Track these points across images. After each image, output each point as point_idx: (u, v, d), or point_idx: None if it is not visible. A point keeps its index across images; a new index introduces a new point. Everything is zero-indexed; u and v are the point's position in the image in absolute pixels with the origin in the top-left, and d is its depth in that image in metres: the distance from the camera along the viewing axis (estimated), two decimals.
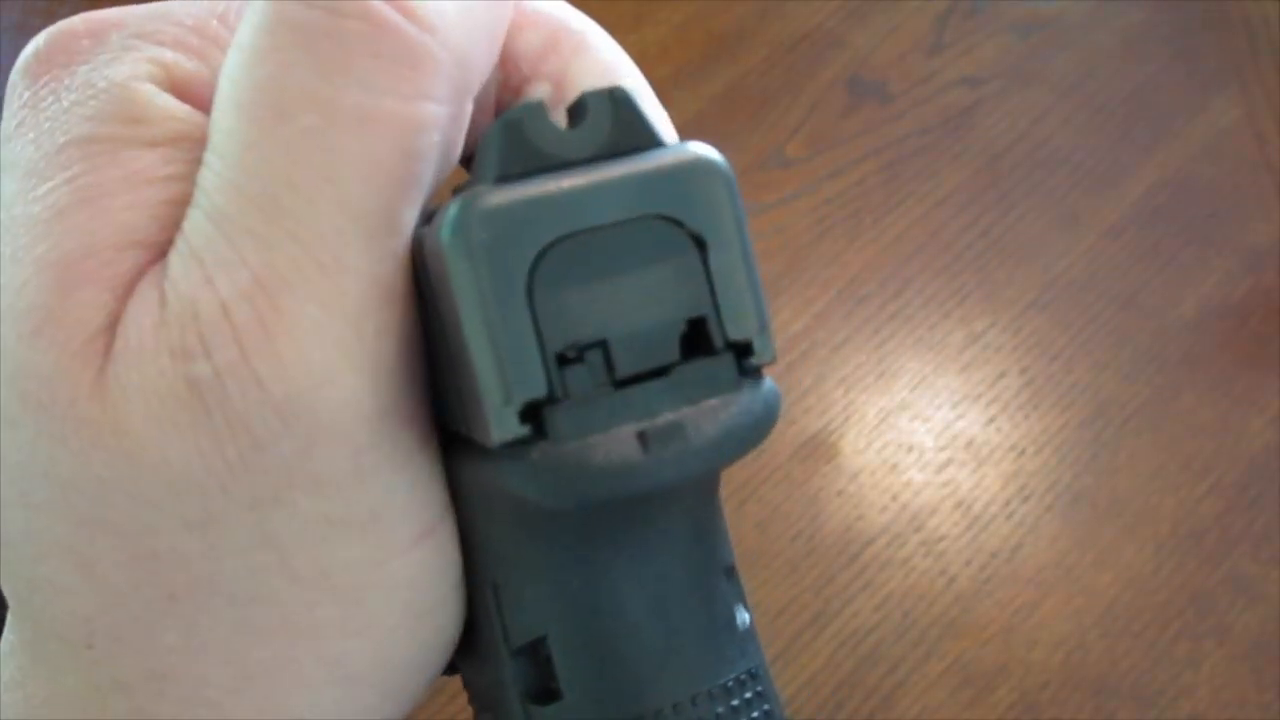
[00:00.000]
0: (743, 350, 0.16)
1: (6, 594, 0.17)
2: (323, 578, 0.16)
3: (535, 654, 0.18)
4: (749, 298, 0.16)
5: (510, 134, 0.16)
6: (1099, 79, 0.72)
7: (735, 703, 0.18)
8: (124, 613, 0.16)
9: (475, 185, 0.16)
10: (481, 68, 0.17)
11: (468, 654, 0.19)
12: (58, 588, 0.16)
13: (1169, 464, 0.60)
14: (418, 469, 0.17)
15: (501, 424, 0.15)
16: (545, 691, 0.18)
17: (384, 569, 0.17)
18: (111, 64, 0.17)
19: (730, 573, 0.19)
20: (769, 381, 0.17)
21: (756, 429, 0.16)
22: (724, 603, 0.18)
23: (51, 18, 0.18)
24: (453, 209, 0.15)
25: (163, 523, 0.16)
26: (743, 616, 0.19)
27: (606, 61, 0.19)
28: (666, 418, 0.16)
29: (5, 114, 0.18)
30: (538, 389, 0.15)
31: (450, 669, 0.19)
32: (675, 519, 0.18)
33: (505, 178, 0.16)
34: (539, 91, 0.18)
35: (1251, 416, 0.60)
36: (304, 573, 0.16)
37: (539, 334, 0.15)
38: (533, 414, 0.15)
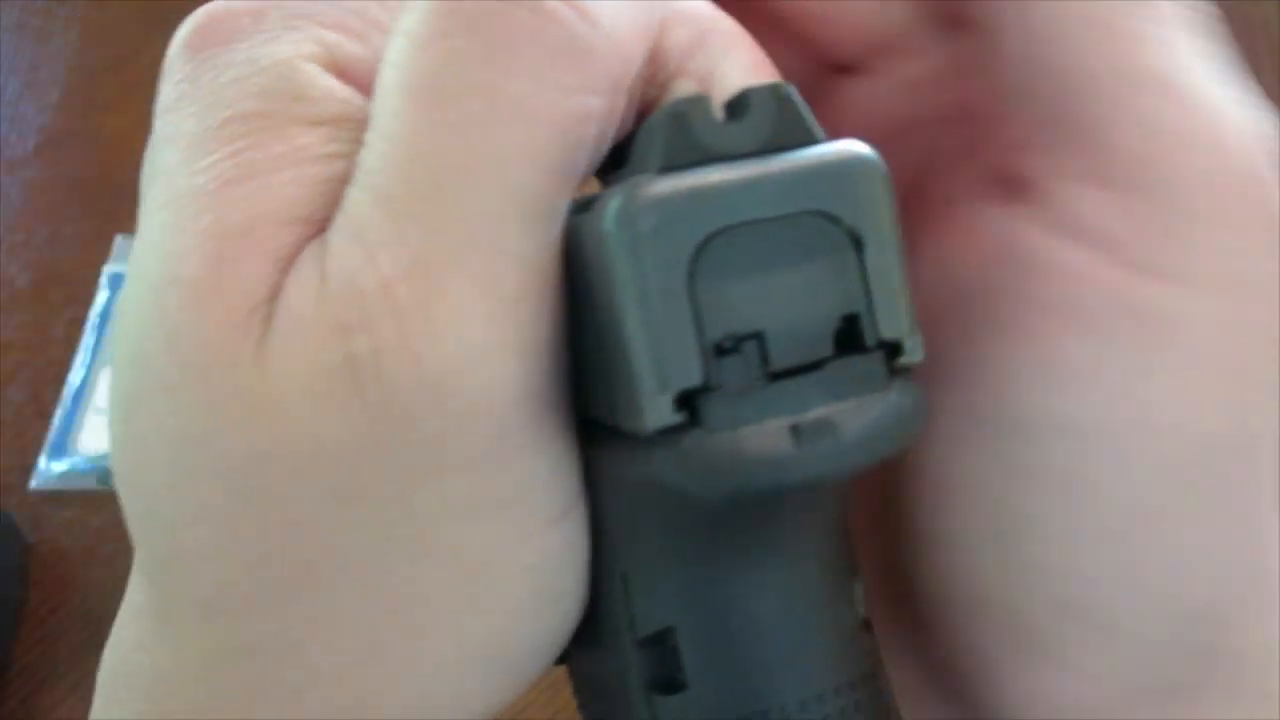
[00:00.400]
0: (893, 349, 0.16)
1: (141, 558, 0.18)
2: (457, 556, 0.17)
3: (662, 644, 0.18)
4: (901, 298, 0.16)
5: (675, 125, 0.16)
6: None
7: (856, 698, 0.18)
8: (262, 579, 0.17)
9: (635, 175, 0.16)
10: (637, 61, 0.17)
11: (584, 643, 0.19)
12: (201, 554, 0.17)
13: None
14: (558, 453, 0.17)
15: (656, 410, 0.15)
16: (670, 682, 0.18)
17: (517, 551, 0.17)
18: (273, 42, 0.17)
19: (854, 572, 0.19)
20: (917, 384, 0.17)
21: (905, 428, 0.16)
22: (849, 602, 0.18)
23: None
24: (617, 198, 0.15)
25: (310, 493, 0.16)
26: (860, 615, 0.19)
27: (752, 63, 0.19)
28: (818, 412, 0.16)
29: (164, 87, 0.18)
30: (694, 377, 0.15)
31: (560, 659, 0.20)
32: (812, 517, 0.18)
33: (669, 168, 0.16)
34: (685, 88, 0.18)
35: None
36: (439, 549, 0.17)
37: (698, 323, 0.15)
38: (686, 402, 0.15)
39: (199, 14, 0.18)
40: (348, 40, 0.18)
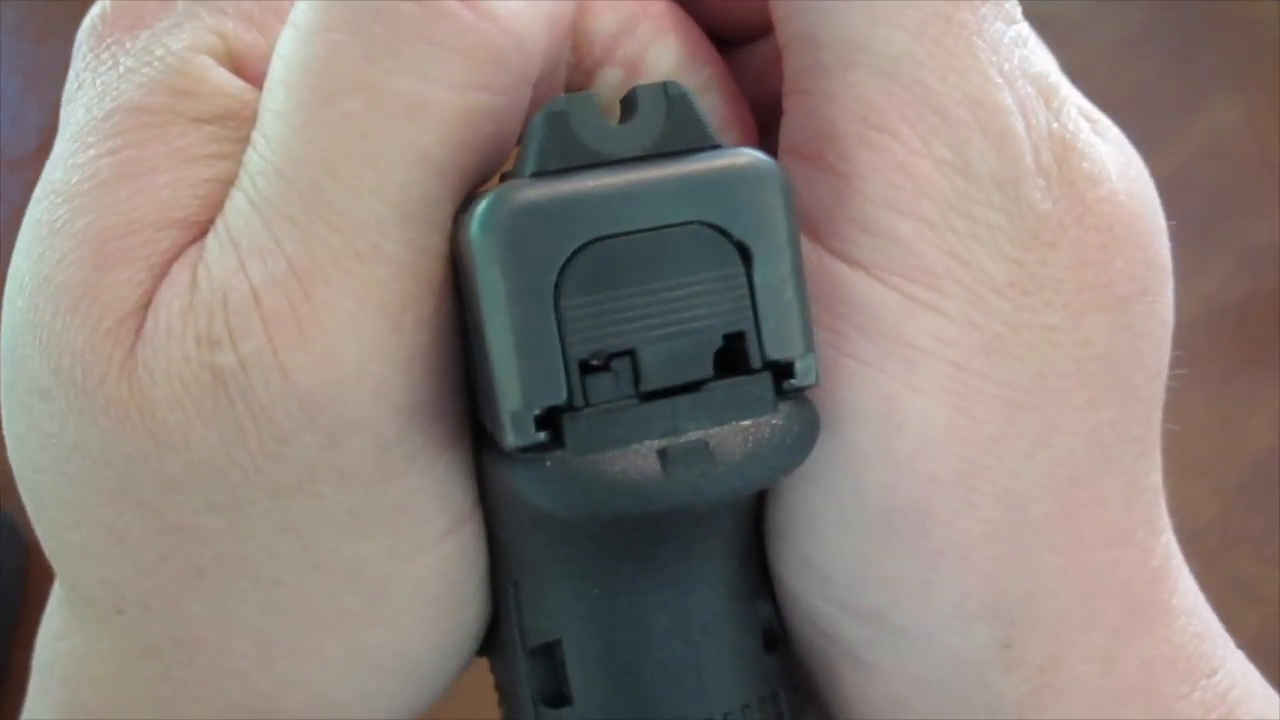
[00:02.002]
0: (784, 371, 0.15)
1: (47, 555, 0.18)
2: (346, 567, 0.16)
3: (550, 656, 0.17)
4: (795, 316, 0.15)
5: (553, 126, 0.15)
6: (1098, 79, 0.72)
7: None
8: (152, 583, 0.16)
9: (513, 178, 0.15)
10: (543, 54, 0.16)
11: (492, 646, 0.19)
12: (90, 555, 0.17)
13: (1169, 464, 0.59)
14: (449, 464, 0.17)
15: (518, 429, 0.15)
16: (557, 695, 0.17)
17: (409, 562, 0.17)
18: (171, 32, 0.17)
19: (762, 594, 0.18)
20: (810, 406, 0.16)
21: (788, 455, 0.15)
22: (751, 625, 0.18)
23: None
24: (485, 202, 0.15)
25: (188, 502, 0.16)
26: (766, 635, 0.18)
27: (686, 48, 0.18)
28: (691, 436, 0.15)
29: (69, 75, 0.18)
30: (558, 395, 0.15)
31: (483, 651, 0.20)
32: (706, 538, 0.17)
33: (543, 172, 0.15)
34: (610, 76, 0.18)
35: (1251, 416, 0.60)
36: (326, 562, 0.16)
37: (563, 338, 0.15)
38: (552, 421, 0.15)
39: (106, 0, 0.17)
40: (247, 30, 0.17)
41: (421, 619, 0.17)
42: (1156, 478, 0.18)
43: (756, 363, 0.15)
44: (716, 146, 0.16)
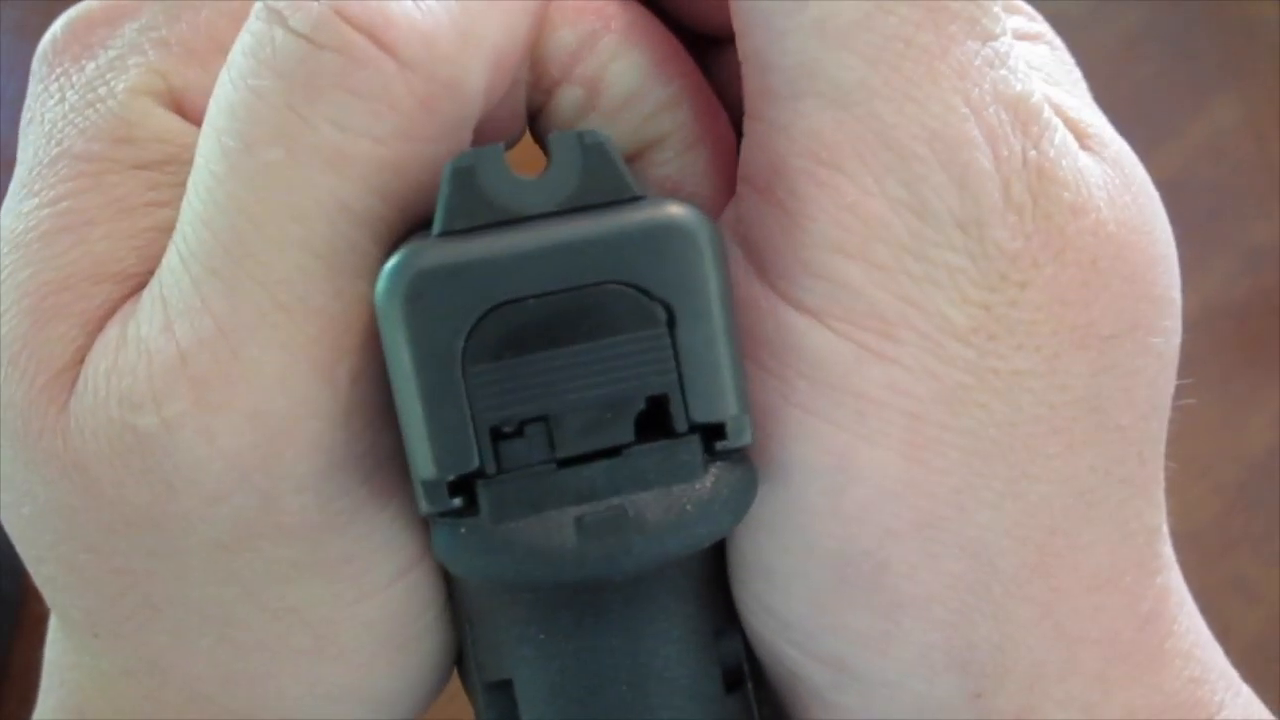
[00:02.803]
0: (714, 432, 0.15)
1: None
2: (292, 612, 0.16)
3: (504, 692, 0.17)
4: (726, 375, 0.15)
5: (459, 183, 0.14)
6: (1099, 79, 0.72)
7: None
8: (117, 612, 0.16)
9: (422, 237, 0.15)
10: (485, 92, 0.15)
11: (462, 670, 0.18)
12: (60, 586, 0.17)
13: (1169, 464, 0.59)
14: (396, 510, 0.16)
15: (431, 496, 0.14)
16: None
17: (358, 607, 0.16)
18: (115, 67, 0.17)
19: (728, 630, 0.18)
20: (745, 466, 0.15)
21: (713, 521, 0.15)
22: (709, 667, 0.17)
23: (51, 18, 0.18)
24: (390, 263, 0.14)
25: (130, 549, 0.16)
26: (735, 677, 0.18)
27: (651, 64, 0.17)
28: (610, 503, 0.14)
29: (27, 99, 0.17)
30: (469, 463, 0.14)
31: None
32: (654, 584, 0.16)
33: (450, 232, 0.14)
34: (569, 96, 0.17)
35: (1251, 416, 0.60)
36: (273, 606, 0.16)
37: (471, 406, 0.14)
38: (466, 486, 0.14)
39: (59, 23, 0.17)
40: (188, 66, 0.16)
41: (374, 656, 0.17)
42: (1152, 516, 0.17)
43: (682, 426, 0.14)
44: (637, 199, 0.15)
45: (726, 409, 0.15)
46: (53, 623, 0.18)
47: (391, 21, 0.14)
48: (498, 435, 0.14)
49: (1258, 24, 0.76)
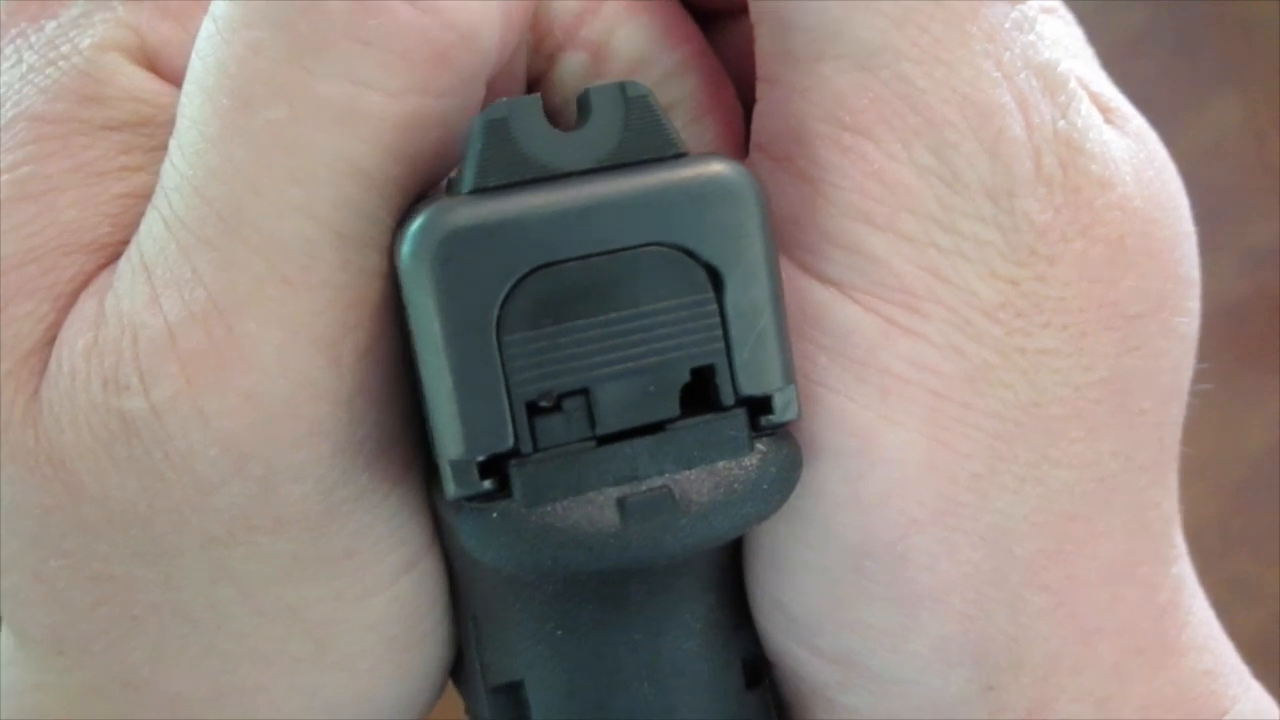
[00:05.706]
0: (760, 406, 0.14)
1: None
2: (290, 613, 0.15)
3: (512, 696, 0.16)
4: (772, 345, 0.14)
5: (493, 136, 0.13)
6: None
7: None
8: (88, 627, 0.15)
9: (448, 194, 0.14)
10: (497, 46, 0.14)
11: (459, 675, 0.18)
12: (23, 600, 0.16)
13: None
14: (400, 499, 0.15)
15: (460, 478, 0.13)
16: None
17: (360, 605, 0.16)
18: (79, 24, 0.15)
19: (746, 624, 0.17)
20: (791, 442, 0.14)
21: (763, 500, 0.14)
22: (730, 662, 0.16)
23: None
24: (415, 223, 0.13)
25: (113, 552, 0.15)
26: (755, 673, 0.17)
27: (660, 29, 0.16)
28: (653, 483, 0.14)
29: None
30: (503, 441, 0.13)
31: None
32: (680, 575, 0.16)
33: (482, 189, 0.13)
34: (572, 62, 0.16)
35: (1251, 416, 0.60)
36: (269, 608, 0.15)
37: (507, 378, 0.13)
38: (498, 467, 0.13)
39: None
40: (163, 21, 0.15)
41: (378, 660, 0.16)
42: (1169, 505, 0.17)
43: (729, 399, 0.14)
44: (682, 155, 0.14)
45: (774, 380, 0.14)
46: (4, 641, 0.17)
47: None
48: (533, 410, 0.13)
49: (1258, 24, 0.76)
